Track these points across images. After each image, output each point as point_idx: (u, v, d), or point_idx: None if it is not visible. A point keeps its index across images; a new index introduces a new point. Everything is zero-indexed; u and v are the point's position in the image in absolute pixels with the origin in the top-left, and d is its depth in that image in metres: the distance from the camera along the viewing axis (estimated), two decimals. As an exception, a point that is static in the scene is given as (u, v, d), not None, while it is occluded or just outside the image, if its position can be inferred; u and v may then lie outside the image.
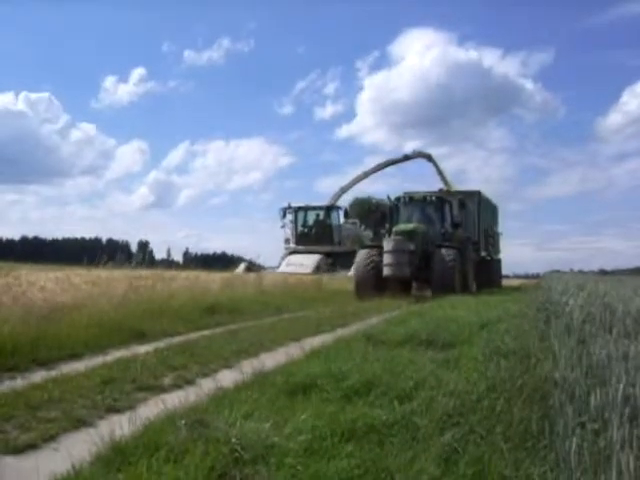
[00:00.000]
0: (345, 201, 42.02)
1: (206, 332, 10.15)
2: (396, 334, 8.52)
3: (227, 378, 6.25)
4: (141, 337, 9.32)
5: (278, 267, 31.74)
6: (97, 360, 7.45)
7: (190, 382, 6.38)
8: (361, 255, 22.13)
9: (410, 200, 24.18)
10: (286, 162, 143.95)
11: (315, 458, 3.78)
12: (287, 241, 34.27)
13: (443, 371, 6.12)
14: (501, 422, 4.36)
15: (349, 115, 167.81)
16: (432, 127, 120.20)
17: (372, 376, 5.59)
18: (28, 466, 4.05)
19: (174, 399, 5.24)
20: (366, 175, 39.96)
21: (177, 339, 9.28)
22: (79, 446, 4.24)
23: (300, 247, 33.25)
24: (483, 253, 28.54)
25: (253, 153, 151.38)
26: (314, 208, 35.35)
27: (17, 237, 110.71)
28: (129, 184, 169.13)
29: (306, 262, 30.48)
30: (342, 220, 35.17)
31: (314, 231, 34.54)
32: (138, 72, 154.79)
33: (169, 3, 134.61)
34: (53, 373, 6.62)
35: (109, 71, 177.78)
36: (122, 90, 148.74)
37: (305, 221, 34.85)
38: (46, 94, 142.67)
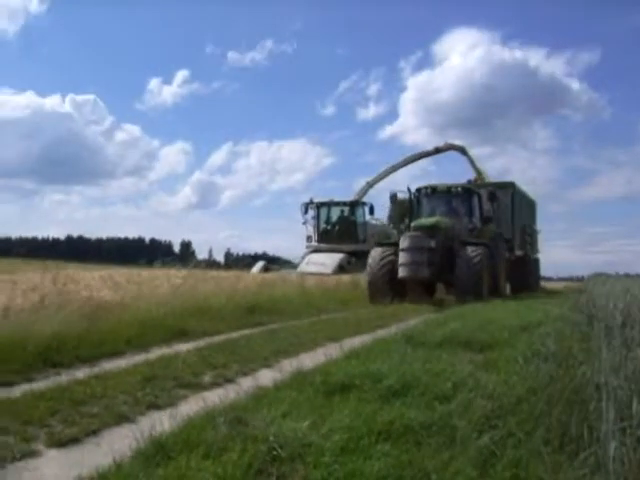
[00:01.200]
0: (375, 197, 39.27)
1: (246, 331, 10.23)
2: (435, 335, 8.47)
3: (266, 377, 6.30)
4: (182, 335, 9.44)
5: (298, 266, 29.42)
6: (139, 357, 7.59)
7: (230, 380, 6.45)
8: (375, 254, 19.18)
9: (433, 192, 21.35)
10: (328, 163, 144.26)
11: (351, 457, 3.79)
12: (309, 239, 31.61)
13: (482, 373, 6.08)
14: (540, 425, 4.32)
15: (392, 116, 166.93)
16: (475, 127, 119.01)
17: (410, 377, 5.57)
18: (72, 459, 4.16)
19: (214, 397, 5.30)
20: (394, 169, 35.88)
21: (218, 338, 9.38)
22: (120, 441, 4.33)
23: (322, 245, 30.69)
24: (518, 252, 25.38)
25: (296, 154, 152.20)
26: (337, 204, 32.37)
27: (62, 236, 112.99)
28: (173, 185, 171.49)
29: (328, 261, 28.13)
30: (368, 217, 32.18)
31: (337, 228, 31.71)
32: (182, 74, 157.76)
33: (212, 5, 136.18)
34: (96, 369, 6.76)
35: (153, 73, 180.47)
36: (166, 92, 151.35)
37: (328, 217, 32.01)
38: (92, 96, 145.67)
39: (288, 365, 6.67)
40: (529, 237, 27.86)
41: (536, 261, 30.16)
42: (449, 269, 18.21)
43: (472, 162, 33.57)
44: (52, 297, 9.76)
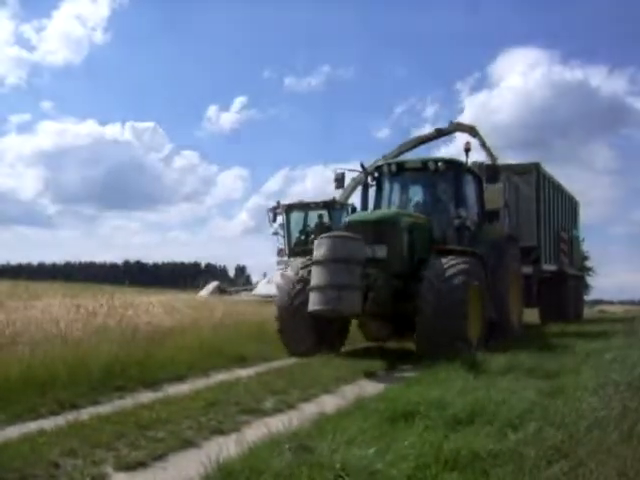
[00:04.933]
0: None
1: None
2: (497, 362, 8.32)
3: (328, 403, 6.28)
4: (241, 361, 9.50)
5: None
6: (200, 382, 7.66)
7: (291, 406, 6.42)
8: (289, 272, 11.61)
9: (399, 170, 12.66)
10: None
11: (419, 486, 3.74)
12: (280, 252, 23.94)
13: (549, 401, 5.95)
14: (614, 457, 4.18)
15: (448, 138, 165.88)
16: (534, 149, 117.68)
17: (476, 405, 5.49)
18: (139, 484, 4.21)
19: (277, 423, 5.29)
20: (386, 160, 21.46)
21: (276, 363, 9.41)
22: (187, 466, 4.37)
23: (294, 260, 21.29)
24: (548, 266, 18.23)
25: (351, 177, 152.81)
26: (309, 206, 23.83)
27: (120, 261, 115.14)
28: (229, 210, 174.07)
29: None
30: None
31: (312, 238, 20.40)
32: (240, 100, 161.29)
33: (269, 31, 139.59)
34: (159, 394, 6.85)
35: (211, 100, 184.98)
36: (224, 118, 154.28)
37: (303, 224, 23.94)
38: (151, 124, 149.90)
39: (349, 391, 6.64)
40: (566, 246, 20.41)
41: (577, 280, 22.45)
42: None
43: (484, 145, 23.76)
44: (112, 321, 9.96)
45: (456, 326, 9.53)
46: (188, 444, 5.04)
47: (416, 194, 13.24)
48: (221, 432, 5.40)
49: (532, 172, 17.42)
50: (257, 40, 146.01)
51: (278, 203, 23.82)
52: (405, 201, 13.03)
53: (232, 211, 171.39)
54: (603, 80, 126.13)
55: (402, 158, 13.69)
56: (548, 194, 18.27)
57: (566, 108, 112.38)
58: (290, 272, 11.39)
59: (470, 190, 12.86)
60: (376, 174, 13.07)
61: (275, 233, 23.67)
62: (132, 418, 5.59)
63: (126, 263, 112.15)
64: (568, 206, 21.30)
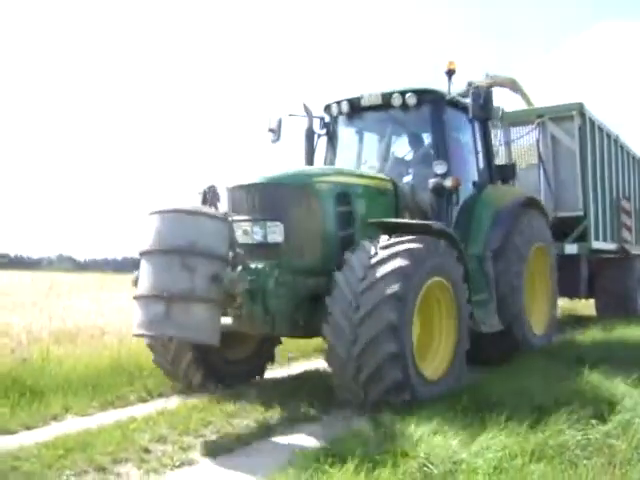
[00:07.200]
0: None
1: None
2: (576, 351, 8.00)
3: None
4: (321, 350, 9.45)
5: None
6: (281, 372, 7.73)
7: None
8: None
9: (354, 110, 8.12)
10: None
11: (505, 477, 3.69)
12: None
13: (639, 392, 5.74)
14: None
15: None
16: (618, 128, 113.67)
17: (561, 395, 5.36)
18: (226, 469, 4.33)
19: (360, 411, 5.30)
20: None
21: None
22: (271, 453, 4.44)
23: None
24: (604, 244, 12.60)
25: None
26: None
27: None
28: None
29: None
30: None
31: None
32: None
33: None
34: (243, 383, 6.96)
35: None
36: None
37: None
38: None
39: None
40: (629, 218, 14.15)
41: None
42: None
43: (525, 97, 15.69)
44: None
45: (390, 373, 5.36)
46: (272, 432, 5.13)
47: (378, 143, 8.52)
48: (304, 420, 5.47)
49: (574, 117, 11.88)
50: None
51: None
52: (372, 154, 8.45)
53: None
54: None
55: (357, 95, 8.13)
56: (600, 147, 12.63)
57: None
58: None
59: (460, 133, 8.36)
60: (326, 118, 8.61)
61: None
62: (218, 406, 5.73)
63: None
64: (631, 167, 14.92)
